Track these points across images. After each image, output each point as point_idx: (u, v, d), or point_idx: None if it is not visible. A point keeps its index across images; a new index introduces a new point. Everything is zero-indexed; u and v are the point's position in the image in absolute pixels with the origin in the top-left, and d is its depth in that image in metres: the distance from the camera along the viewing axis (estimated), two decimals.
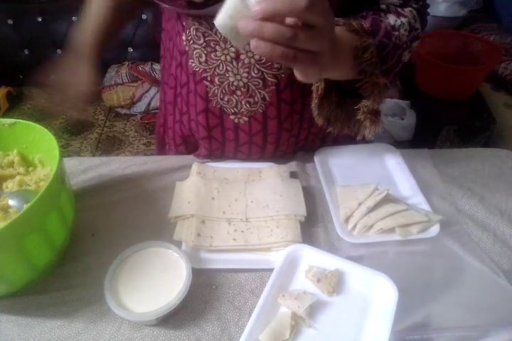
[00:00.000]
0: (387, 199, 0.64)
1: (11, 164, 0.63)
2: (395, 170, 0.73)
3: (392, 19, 0.58)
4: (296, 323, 0.50)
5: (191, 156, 0.79)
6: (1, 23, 1.85)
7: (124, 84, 1.81)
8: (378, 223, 0.61)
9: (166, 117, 0.84)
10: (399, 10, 0.60)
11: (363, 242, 0.60)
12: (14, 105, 1.88)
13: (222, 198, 0.65)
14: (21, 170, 0.62)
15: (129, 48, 1.91)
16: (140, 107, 1.81)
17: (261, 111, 0.68)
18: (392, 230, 0.61)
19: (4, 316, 0.53)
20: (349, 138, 0.77)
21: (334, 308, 0.52)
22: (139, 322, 0.52)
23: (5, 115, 1.81)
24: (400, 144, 1.62)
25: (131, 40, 1.89)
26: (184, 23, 0.64)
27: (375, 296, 0.53)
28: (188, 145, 0.83)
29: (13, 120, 0.61)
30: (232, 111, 0.69)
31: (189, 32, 0.64)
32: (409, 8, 0.61)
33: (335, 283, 0.53)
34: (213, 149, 0.77)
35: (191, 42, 0.65)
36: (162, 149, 0.90)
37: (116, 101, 1.81)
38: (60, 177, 0.52)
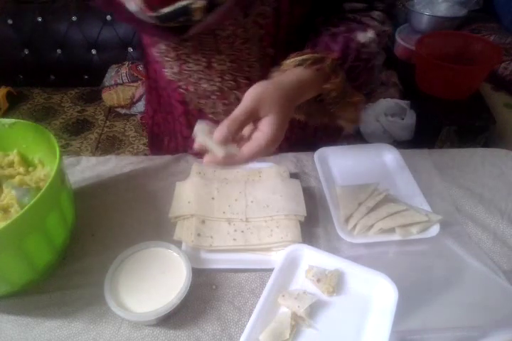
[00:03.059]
0: (387, 199, 0.64)
1: (11, 164, 0.63)
2: (395, 170, 0.73)
3: (360, 36, 0.58)
4: (296, 323, 0.50)
5: (186, 154, 0.78)
6: (1, 23, 1.85)
7: (124, 84, 1.81)
8: (378, 223, 0.61)
9: (155, 111, 0.85)
10: (365, 20, 0.60)
11: (363, 242, 0.60)
12: (14, 105, 1.88)
13: (222, 198, 0.65)
14: (21, 170, 0.62)
15: (129, 48, 1.91)
16: (140, 107, 1.81)
17: None
18: (392, 230, 0.61)
19: (4, 316, 0.53)
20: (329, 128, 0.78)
21: (334, 308, 0.52)
22: (139, 322, 0.52)
23: (5, 115, 1.81)
24: (400, 144, 1.62)
25: (131, 40, 1.89)
26: (154, 38, 0.65)
27: (375, 296, 0.53)
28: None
29: (13, 120, 0.61)
30: (210, 111, 0.71)
31: (160, 46, 0.65)
32: (377, 12, 0.61)
33: (335, 283, 0.53)
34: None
35: (163, 55, 0.66)
36: (155, 143, 0.91)
37: (116, 101, 1.81)
38: (60, 177, 0.52)
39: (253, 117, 0.46)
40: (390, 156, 0.76)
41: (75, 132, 1.78)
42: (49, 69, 1.97)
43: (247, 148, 0.45)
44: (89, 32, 1.87)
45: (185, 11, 0.48)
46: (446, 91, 1.53)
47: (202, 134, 0.46)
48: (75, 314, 0.53)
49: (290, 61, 0.54)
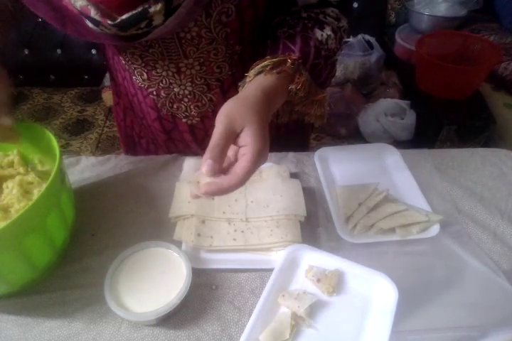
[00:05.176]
0: (387, 199, 0.64)
1: (11, 164, 0.63)
2: (395, 170, 0.73)
3: (318, 34, 0.58)
4: (296, 323, 0.50)
5: (185, 154, 0.78)
6: None
7: None
8: (378, 223, 0.61)
9: (125, 114, 0.85)
10: (320, 18, 0.60)
11: (363, 242, 0.60)
12: (14, 105, 1.88)
13: (222, 198, 0.65)
14: (21, 170, 0.62)
15: None
16: None
17: (210, 110, 0.70)
18: (392, 230, 0.61)
19: (4, 316, 0.53)
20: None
21: (334, 308, 0.52)
22: (139, 322, 0.52)
23: None
24: (400, 144, 1.62)
25: None
26: (118, 47, 0.64)
27: (375, 296, 0.53)
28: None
29: None
30: (184, 115, 0.71)
31: (125, 54, 0.64)
32: (332, 8, 0.61)
33: (335, 283, 0.53)
34: (180, 149, 0.79)
35: (130, 62, 0.65)
36: (129, 143, 0.91)
37: None
38: (60, 177, 0.52)
39: (232, 136, 0.45)
40: (390, 156, 0.76)
41: (75, 132, 1.78)
42: (49, 69, 1.97)
43: (239, 167, 0.44)
44: None
45: (144, 15, 0.48)
46: (446, 91, 1.53)
47: (190, 179, 0.45)
48: (75, 314, 0.53)
49: (252, 71, 0.53)
